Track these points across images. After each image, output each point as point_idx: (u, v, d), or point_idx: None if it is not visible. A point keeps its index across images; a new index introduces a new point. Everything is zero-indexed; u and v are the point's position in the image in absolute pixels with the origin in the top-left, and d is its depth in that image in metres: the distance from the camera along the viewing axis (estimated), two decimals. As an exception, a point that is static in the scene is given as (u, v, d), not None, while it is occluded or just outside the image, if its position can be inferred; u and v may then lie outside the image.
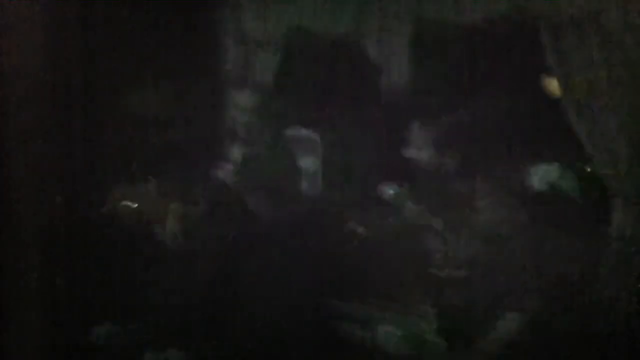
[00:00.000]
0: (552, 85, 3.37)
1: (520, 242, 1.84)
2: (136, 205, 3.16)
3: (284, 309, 3.40)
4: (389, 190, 3.34)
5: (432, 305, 1.95)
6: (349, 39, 3.33)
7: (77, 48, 3.26)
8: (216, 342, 2.86)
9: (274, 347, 3.11)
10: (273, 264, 3.28)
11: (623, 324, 2.59)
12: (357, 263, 3.35)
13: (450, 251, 1.91)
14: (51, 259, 3.13)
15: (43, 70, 3.11)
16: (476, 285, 1.84)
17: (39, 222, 3.10)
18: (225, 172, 2.56)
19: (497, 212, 1.84)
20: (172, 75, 3.72)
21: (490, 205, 1.87)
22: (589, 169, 2.98)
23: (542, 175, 3.09)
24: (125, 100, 3.58)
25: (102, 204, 3.22)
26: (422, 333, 2.40)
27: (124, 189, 3.21)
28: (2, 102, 3.01)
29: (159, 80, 3.76)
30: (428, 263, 2.05)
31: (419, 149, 1.95)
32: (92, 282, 3.21)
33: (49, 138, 3.15)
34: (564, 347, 2.51)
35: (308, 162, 3.75)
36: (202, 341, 2.91)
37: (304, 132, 3.79)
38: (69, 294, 3.18)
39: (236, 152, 2.76)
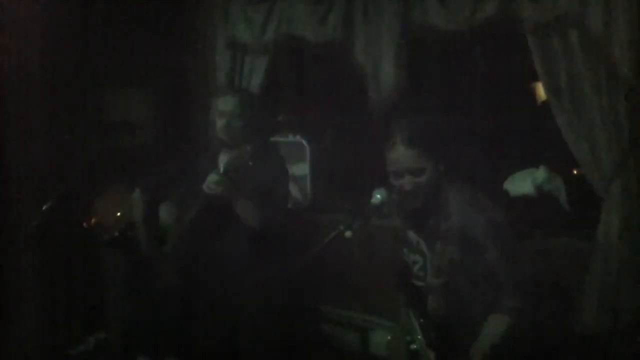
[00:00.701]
0: (539, 89, 3.38)
1: (502, 245, 1.86)
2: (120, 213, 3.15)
3: (271, 313, 3.39)
4: (376, 195, 3.34)
5: (417, 316, 1.95)
6: (336, 45, 3.33)
7: (77, 48, 3.24)
8: (203, 347, 2.84)
9: (263, 352, 3.10)
10: (260, 269, 3.28)
11: (610, 326, 2.61)
12: (345, 268, 3.35)
13: (429, 260, 1.92)
14: (49, 260, 3.11)
15: (43, 70, 3.09)
16: (459, 291, 1.85)
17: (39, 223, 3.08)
18: (212, 178, 2.54)
19: (482, 215, 1.85)
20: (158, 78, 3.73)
21: (473, 209, 1.88)
22: (575, 172, 3.01)
23: (528, 179, 3.10)
24: (107, 108, 3.58)
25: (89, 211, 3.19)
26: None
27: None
28: (2, 102, 2.99)
29: (147, 84, 3.76)
30: (409, 273, 2.06)
31: (406, 153, 1.96)
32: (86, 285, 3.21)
33: (49, 138, 3.13)
34: (550, 349, 2.52)
35: (296, 168, 3.75)
36: (189, 346, 2.89)
37: (291, 137, 3.79)
38: (67, 296, 3.16)
39: (222, 158, 2.75)
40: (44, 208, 2.72)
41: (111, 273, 3.42)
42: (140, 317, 3.05)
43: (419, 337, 1.95)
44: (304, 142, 3.72)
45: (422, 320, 1.98)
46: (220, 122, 2.68)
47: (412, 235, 2.11)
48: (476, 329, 1.87)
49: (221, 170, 2.51)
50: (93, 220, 3.14)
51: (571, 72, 2.69)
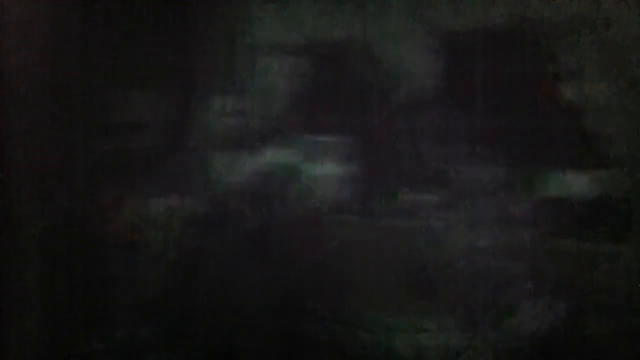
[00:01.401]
0: (553, 90, 3.38)
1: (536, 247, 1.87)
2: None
3: (294, 314, 3.40)
4: (407, 196, 3.33)
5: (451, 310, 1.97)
6: (359, 44, 3.34)
7: (77, 48, 3.25)
8: (213, 346, 2.85)
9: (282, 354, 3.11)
10: (285, 271, 3.28)
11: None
12: (371, 269, 3.35)
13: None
14: (51, 261, 3.12)
15: (43, 70, 3.09)
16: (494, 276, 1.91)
17: (39, 223, 3.08)
18: (235, 179, 2.56)
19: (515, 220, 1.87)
20: (176, 78, 3.73)
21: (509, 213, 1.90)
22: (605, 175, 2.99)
23: (557, 182, 3.09)
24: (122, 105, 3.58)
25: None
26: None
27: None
28: (2, 102, 2.99)
29: (161, 84, 3.76)
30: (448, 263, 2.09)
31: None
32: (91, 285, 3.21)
33: (49, 138, 3.14)
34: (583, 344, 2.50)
35: (325, 168, 3.75)
36: (198, 344, 2.90)
37: (320, 138, 3.79)
38: (69, 297, 3.17)
39: (247, 160, 2.76)
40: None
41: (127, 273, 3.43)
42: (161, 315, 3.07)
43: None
44: (333, 142, 3.73)
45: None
46: (230, 122, 2.68)
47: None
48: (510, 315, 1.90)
49: (244, 168, 2.51)
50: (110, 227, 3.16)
51: (584, 72, 2.67)
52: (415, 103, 3.28)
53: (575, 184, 2.96)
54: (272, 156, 2.65)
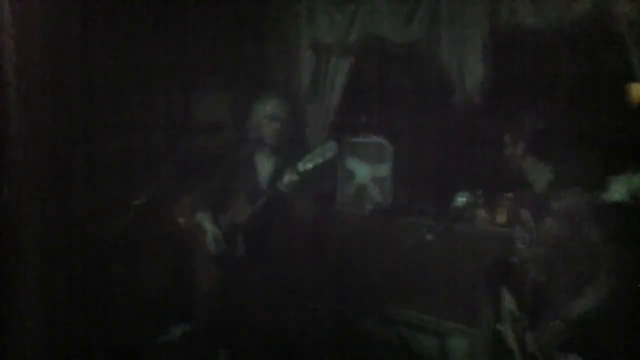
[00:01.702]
0: (636, 91, 3.21)
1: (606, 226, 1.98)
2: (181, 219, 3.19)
3: (350, 313, 3.40)
4: (458, 198, 3.27)
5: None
6: (421, 45, 3.29)
7: (77, 48, 3.31)
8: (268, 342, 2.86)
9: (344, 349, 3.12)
10: (340, 270, 3.28)
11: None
12: (424, 271, 3.30)
13: (534, 235, 2.13)
14: (51, 263, 3.19)
15: (43, 70, 3.16)
16: (556, 263, 2.05)
17: (39, 223, 3.15)
18: (291, 177, 2.56)
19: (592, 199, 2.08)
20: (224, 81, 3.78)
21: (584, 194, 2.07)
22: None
23: (623, 185, 2.96)
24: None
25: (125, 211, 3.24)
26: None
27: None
28: (2, 102, 3.06)
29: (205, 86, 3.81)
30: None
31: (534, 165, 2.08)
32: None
33: (49, 138, 3.21)
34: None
35: (377, 168, 3.73)
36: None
37: (373, 138, 3.78)
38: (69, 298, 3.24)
39: (262, 159, 2.75)
40: (135, 203, 2.82)
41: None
42: (221, 311, 3.13)
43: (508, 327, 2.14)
44: (386, 143, 3.70)
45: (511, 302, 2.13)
46: (271, 127, 2.68)
47: (525, 213, 2.23)
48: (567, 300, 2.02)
49: (300, 169, 2.54)
50: (180, 220, 3.24)
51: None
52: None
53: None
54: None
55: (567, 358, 1.98)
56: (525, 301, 2.11)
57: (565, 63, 3.17)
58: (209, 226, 2.75)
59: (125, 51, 3.46)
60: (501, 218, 3.27)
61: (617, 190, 3.02)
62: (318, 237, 2.82)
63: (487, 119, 3.31)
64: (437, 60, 3.26)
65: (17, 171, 3.05)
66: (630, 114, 3.18)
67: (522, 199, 2.29)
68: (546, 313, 2.03)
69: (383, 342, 3.44)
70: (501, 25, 3.02)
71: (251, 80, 3.78)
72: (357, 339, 3.37)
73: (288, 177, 2.53)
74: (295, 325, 2.74)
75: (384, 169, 3.70)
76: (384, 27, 3.43)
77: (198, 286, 3.04)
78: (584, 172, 2.32)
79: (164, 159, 3.41)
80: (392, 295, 3.41)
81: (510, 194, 3.24)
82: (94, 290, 3.21)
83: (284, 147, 2.72)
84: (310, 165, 2.54)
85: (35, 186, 3.08)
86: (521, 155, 2.18)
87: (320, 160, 2.55)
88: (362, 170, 3.76)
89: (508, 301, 2.19)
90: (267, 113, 2.72)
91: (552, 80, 3.22)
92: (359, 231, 3.55)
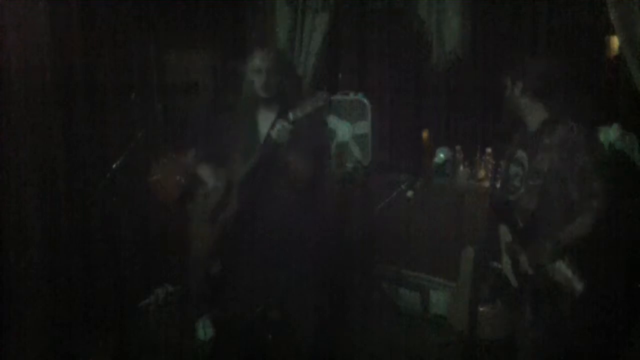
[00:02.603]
0: (613, 43, 3.22)
1: (595, 151, 2.16)
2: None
3: (334, 271, 3.43)
4: (440, 154, 3.28)
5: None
6: (399, 1, 3.27)
7: (77, 48, 3.27)
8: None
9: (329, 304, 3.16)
10: (320, 227, 3.30)
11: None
12: (406, 228, 3.33)
13: (527, 170, 2.25)
14: (53, 259, 3.19)
15: (43, 70, 3.13)
16: (550, 192, 2.15)
17: (39, 221, 3.15)
18: (283, 126, 2.56)
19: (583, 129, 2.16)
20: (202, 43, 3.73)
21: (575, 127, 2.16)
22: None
23: (600, 137, 2.99)
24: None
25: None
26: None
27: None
28: (2, 102, 3.04)
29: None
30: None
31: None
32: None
33: (49, 138, 3.19)
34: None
35: (357, 126, 3.72)
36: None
37: (352, 95, 3.76)
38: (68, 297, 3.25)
39: (263, 113, 2.75)
40: (113, 166, 2.78)
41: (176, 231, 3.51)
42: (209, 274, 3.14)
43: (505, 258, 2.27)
44: (365, 100, 3.69)
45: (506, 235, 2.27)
46: (258, 79, 2.66)
47: (519, 152, 2.34)
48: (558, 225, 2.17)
49: (291, 118, 2.52)
50: (154, 178, 3.21)
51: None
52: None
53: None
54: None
55: (555, 266, 2.12)
56: (517, 228, 2.24)
57: (544, 17, 3.16)
58: (210, 180, 2.74)
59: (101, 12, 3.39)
60: (481, 173, 3.30)
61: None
62: (313, 196, 2.80)
63: (470, 72, 3.32)
64: (416, 15, 3.23)
65: (17, 171, 3.05)
66: (609, 67, 3.20)
67: (517, 139, 2.35)
68: (537, 236, 2.16)
69: (365, 297, 3.49)
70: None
71: (227, 40, 3.72)
72: (340, 296, 3.42)
73: (279, 125, 2.50)
74: (282, 287, 2.76)
75: (364, 127, 3.69)
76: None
77: (188, 247, 3.04)
78: (575, 111, 2.40)
79: (141, 121, 3.38)
80: (374, 252, 3.46)
81: (489, 149, 3.28)
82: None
83: (280, 100, 2.69)
84: (300, 114, 2.51)
85: (35, 186, 3.09)
86: (519, 95, 2.25)
87: (310, 109, 2.51)
88: (342, 129, 3.75)
89: (504, 234, 2.30)
90: (253, 68, 2.70)
91: (531, 34, 3.22)
92: (340, 189, 3.56)
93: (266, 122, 2.67)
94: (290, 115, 2.49)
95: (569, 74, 2.54)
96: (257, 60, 2.65)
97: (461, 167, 3.37)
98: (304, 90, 3.62)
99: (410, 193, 2.86)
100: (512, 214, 2.28)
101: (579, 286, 2.09)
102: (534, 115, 2.28)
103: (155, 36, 3.59)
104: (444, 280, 3.35)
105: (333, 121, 3.77)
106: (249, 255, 2.71)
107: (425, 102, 3.58)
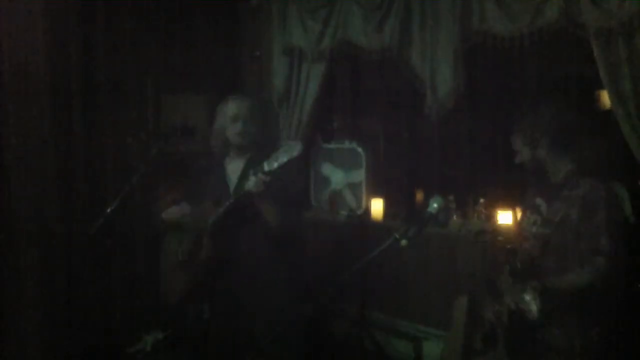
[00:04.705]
0: (603, 97, 3.27)
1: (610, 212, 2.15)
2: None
3: (326, 318, 3.39)
4: (433, 203, 3.29)
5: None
6: (393, 51, 3.32)
7: (77, 48, 3.28)
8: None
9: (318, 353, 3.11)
10: (313, 275, 3.28)
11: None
12: (399, 276, 3.32)
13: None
14: (51, 261, 3.15)
15: (43, 70, 3.13)
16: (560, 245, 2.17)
17: (38, 222, 3.11)
18: (258, 178, 2.54)
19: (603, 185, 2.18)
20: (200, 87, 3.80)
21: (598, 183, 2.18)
22: (641, 183, 2.88)
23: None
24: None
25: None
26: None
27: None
28: (2, 102, 3.02)
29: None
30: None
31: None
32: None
33: (49, 138, 3.17)
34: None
35: (351, 174, 3.74)
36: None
37: (347, 144, 3.79)
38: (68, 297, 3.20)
39: (233, 162, 2.76)
40: (108, 210, 2.78)
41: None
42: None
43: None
44: (360, 149, 3.72)
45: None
46: (234, 127, 2.66)
47: (539, 199, 2.35)
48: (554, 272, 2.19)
49: (266, 169, 2.50)
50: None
51: (636, 78, 2.61)
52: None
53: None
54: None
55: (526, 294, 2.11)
56: (515, 270, 2.23)
57: (534, 68, 3.22)
58: (185, 224, 2.72)
59: (100, 56, 3.43)
60: (474, 223, 3.30)
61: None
62: (287, 241, 2.77)
63: (463, 122, 3.37)
64: (409, 66, 3.28)
65: (17, 171, 3.03)
66: (597, 120, 3.23)
67: (536, 188, 2.37)
68: (530, 279, 2.15)
69: (357, 346, 3.44)
70: (471, 31, 3.06)
71: (224, 85, 3.77)
72: (331, 343, 3.37)
73: (253, 177, 2.49)
74: (265, 330, 2.71)
75: (358, 175, 3.71)
76: (356, 33, 3.44)
77: (167, 292, 3.01)
78: (598, 162, 2.45)
79: (137, 164, 3.39)
80: (366, 300, 3.43)
81: (482, 200, 3.29)
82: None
83: (251, 148, 2.68)
84: (275, 165, 2.49)
85: (35, 186, 3.06)
86: (546, 152, 2.25)
87: (286, 159, 2.49)
88: (336, 176, 3.77)
89: (505, 278, 2.28)
90: (228, 114, 2.69)
91: (521, 84, 3.27)
92: (334, 236, 3.56)
93: (235, 168, 2.67)
94: (265, 166, 2.48)
95: (588, 126, 2.61)
96: (234, 108, 2.66)
97: (454, 217, 3.38)
98: (282, 140, 3.62)
99: (404, 242, 2.85)
100: (515, 257, 2.26)
101: (534, 308, 2.08)
102: (558, 167, 2.28)
103: (154, 79, 3.65)
104: (437, 330, 3.32)
105: (327, 169, 3.80)
106: (226, 303, 2.68)
107: (419, 151, 3.61)
